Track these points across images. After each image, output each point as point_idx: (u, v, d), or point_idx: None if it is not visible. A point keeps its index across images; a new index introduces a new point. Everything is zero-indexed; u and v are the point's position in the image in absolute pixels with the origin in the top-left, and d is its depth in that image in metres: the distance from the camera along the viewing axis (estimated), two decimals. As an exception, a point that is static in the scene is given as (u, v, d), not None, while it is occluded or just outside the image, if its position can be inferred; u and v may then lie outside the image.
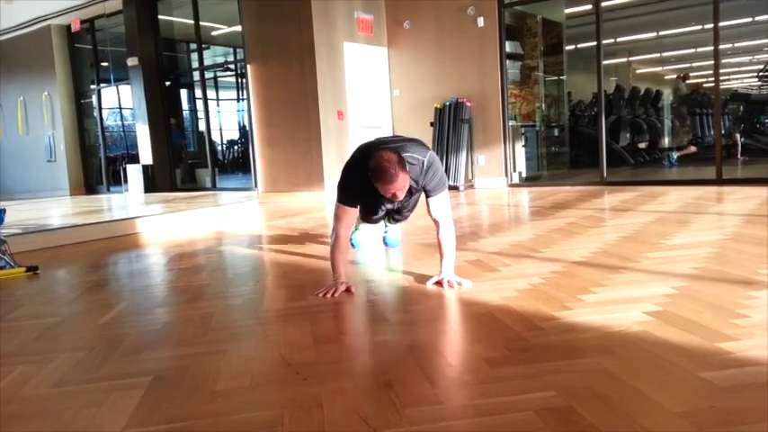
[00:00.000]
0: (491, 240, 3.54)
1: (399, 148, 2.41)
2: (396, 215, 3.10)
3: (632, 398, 1.31)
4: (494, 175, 7.32)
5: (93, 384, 1.62)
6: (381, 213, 2.99)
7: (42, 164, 10.84)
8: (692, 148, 9.14)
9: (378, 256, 3.31)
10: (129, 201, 8.19)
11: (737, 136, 8.72)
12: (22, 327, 2.27)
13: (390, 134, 2.88)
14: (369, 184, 2.35)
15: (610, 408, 1.27)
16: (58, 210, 7.46)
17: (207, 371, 1.66)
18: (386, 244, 3.50)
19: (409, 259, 3.16)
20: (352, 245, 3.30)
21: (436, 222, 2.53)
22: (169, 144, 9.54)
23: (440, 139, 7.32)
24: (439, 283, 2.46)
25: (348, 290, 2.44)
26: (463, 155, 7.21)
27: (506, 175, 7.28)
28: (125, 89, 9.91)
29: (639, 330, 1.75)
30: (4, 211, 3.62)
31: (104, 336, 2.09)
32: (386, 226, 3.42)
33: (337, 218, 2.50)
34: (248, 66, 7.69)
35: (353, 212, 2.52)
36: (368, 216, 3.03)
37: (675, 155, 8.88)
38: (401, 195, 2.36)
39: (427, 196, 2.53)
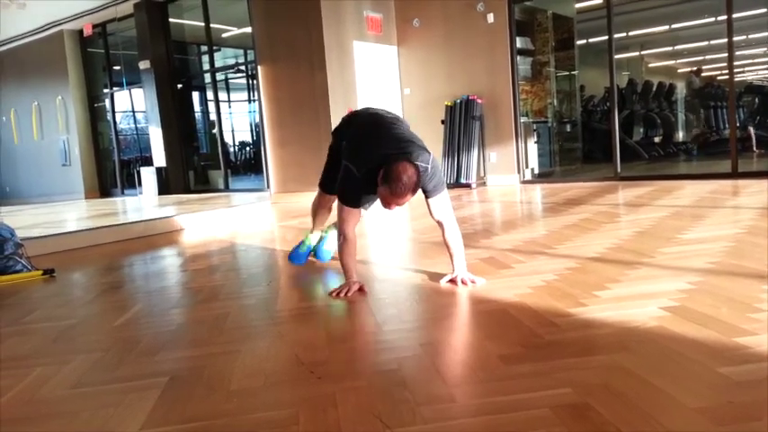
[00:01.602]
0: (504, 237, 3.52)
1: (410, 154, 2.33)
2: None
3: (649, 394, 1.30)
4: (506, 172, 7.29)
5: (110, 385, 1.63)
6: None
7: (57, 168, 10.96)
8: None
9: (389, 256, 3.31)
10: (143, 203, 8.25)
11: (751, 129, 8.62)
12: (40, 329, 2.30)
13: (390, 115, 2.71)
14: (372, 181, 2.33)
15: (626, 404, 1.26)
16: (73, 213, 7.53)
17: (222, 371, 1.66)
18: (318, 257, 3.09)
19: (420, 258, 3.15)
20: (320, 257, 3.07)
21: (440, 224, 2.50)
22: (195, 148, 9.62)
23: (451, 137, 7.31)
24: (452, 281, 2.45)
25: (361, 289, 2.44)
26: (475, 152, 7.18)
27: (519, 172, 7.25)
28: (137, 92, 10.00)
29: (655, 326, 1.73)
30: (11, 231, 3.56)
31: (120, 337, 2.11)
32: (324, 233, 3.10)
33: (343, 220, 2.48)
34: (259, 67, 7.72)
35: (358, 212, 2.52)
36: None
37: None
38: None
39: (426, 197, 2.47)
